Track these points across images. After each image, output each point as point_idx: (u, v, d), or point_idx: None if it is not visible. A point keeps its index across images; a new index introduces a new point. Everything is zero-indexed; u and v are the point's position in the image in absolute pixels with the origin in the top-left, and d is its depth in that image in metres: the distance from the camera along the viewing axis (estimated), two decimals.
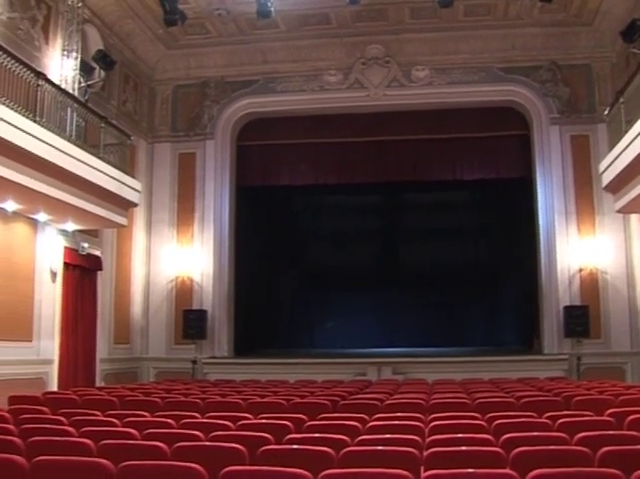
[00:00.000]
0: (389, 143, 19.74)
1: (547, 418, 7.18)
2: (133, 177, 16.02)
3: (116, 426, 7.06)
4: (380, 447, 5.54)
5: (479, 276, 21.77)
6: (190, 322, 18.54)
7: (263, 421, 7.41)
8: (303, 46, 19.21)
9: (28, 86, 11.91)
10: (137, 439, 6.22)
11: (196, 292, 19.12)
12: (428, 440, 6.02)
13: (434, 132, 19.31)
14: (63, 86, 14.05)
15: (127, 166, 15.64)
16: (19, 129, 11.09)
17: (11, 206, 12.93)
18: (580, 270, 17.83)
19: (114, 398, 10.14)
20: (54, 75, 14.16)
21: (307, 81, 19.54)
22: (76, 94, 14.78)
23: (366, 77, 19.26)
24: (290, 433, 6.55)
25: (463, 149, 19.51)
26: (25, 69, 11.88)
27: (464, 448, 5.41)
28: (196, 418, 7.74)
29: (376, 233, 23.72)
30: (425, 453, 5.42)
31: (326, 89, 19.47)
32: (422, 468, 5.13)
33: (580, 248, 17.85)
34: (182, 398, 10.26)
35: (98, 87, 16.71)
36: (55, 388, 14.08)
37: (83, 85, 15.75)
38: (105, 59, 16.30)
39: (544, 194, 18.38)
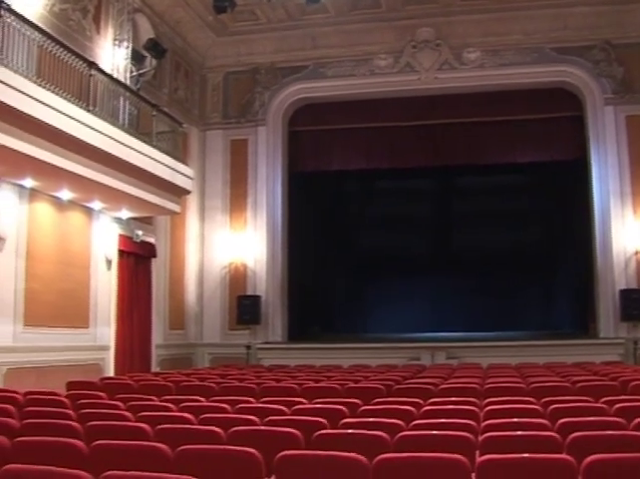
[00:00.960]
0: (441, 126, 19.60)
1: (604, 403, 7.08)
2: (185, 164, 16.13)
3: (172, 411, 7.12)
4: (435, 432, 5.52)
5: (533, 260, 21.55)
6: (245, 308, 18.64)
7: (318, 406, 7.42)
8: (353, 30, 19.10)
9: (81, 76, 12.08)
10: (193, 424, 6.27)
11: (250, 278, 19.21)
12: (483, 425, 5.98)
13: (486, 114, 19.11)
14: (115, 75, 14.20)
15: (179, 153, 15.77)
16: (73, 118, 11.26)
17: (66, 194, 13.13)
18: (636, 253, 17.53)
19: (169, 383, 10.23)
20: (106, 64, 14.30)
21: (357, 65, 19.45)
22: (128, 83, 14.94)
23: (417, 60, 19.11)
24: (345, 418, 6.55)
25: (515, 131, 19.26)
26: (77, 59, 12.03)
27: (519, 433, 5.36)
28: (252, 403, 7.78)
29: (429, 217, 23.55)
30: (480, 438, 5.39)
31: (377, 73, 19.38)
32: (477, 453, 5.10)
33: (636, 231, 17.55)
34: (237, 383, 10.32)
35: (149, 75, 16.84)
36: (111, 374, 14.27)
37: (134, 74, 15.88)
38: (156, 47, 16.40)
39: (599, 175, 18.10)
